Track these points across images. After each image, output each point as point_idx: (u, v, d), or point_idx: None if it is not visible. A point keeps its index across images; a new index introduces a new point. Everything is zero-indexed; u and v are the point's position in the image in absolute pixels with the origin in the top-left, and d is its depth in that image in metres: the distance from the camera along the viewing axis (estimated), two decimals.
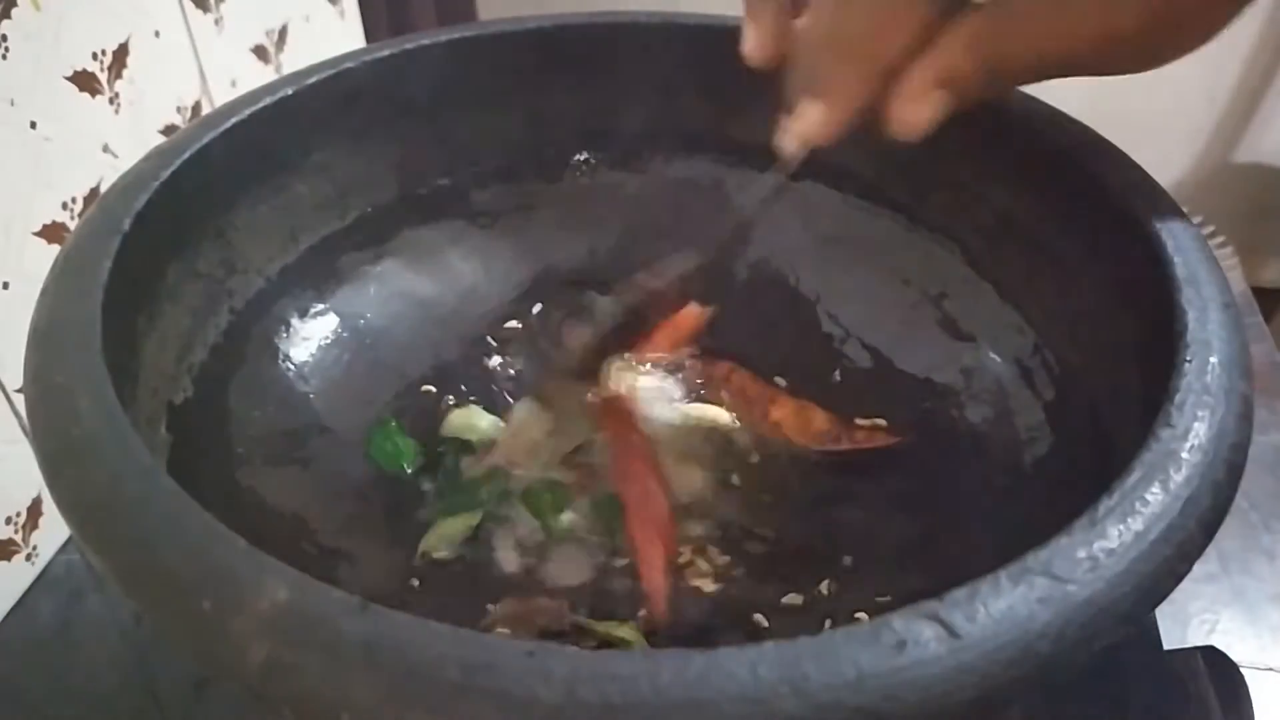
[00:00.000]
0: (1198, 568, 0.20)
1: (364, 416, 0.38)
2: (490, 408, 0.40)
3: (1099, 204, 0.30)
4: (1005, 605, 0.17)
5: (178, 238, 0.32)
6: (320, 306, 0.38)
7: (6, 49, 0.37)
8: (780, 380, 0.40)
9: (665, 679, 0.16)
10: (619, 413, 0.37)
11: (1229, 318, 0.25)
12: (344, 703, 0.16)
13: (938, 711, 0.16)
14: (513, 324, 0.43)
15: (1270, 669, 0.36)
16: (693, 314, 0.40)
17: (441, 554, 0.35)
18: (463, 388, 0.41)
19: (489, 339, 0.43)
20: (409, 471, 0.37)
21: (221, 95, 0.52)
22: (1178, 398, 0.22)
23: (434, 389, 0.40)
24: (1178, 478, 0.20)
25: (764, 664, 0.16)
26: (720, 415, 0.39)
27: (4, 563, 0.40)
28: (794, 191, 0.42)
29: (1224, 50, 0.88)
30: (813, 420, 0.37)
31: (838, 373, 0.40)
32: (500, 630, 0.32)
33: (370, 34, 0.69)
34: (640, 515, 0.33)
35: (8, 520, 0.40)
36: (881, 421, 0.36)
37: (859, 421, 0.37)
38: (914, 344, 0.39)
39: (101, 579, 0.20)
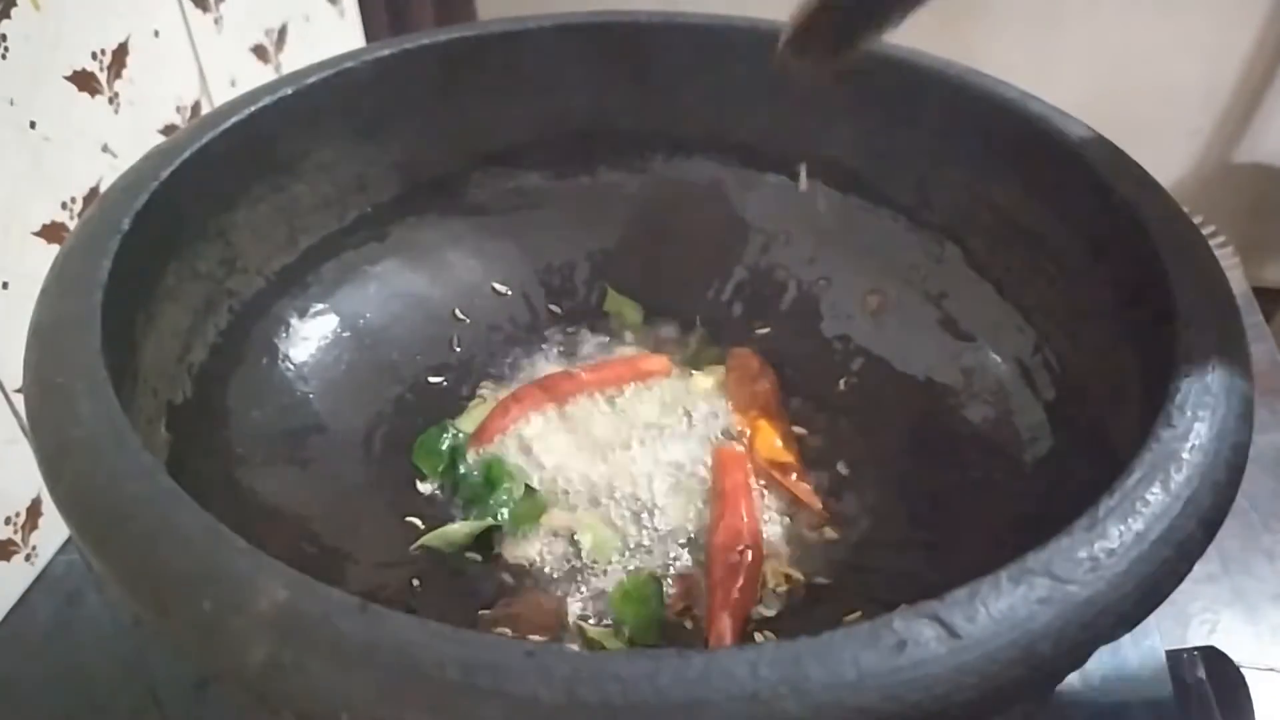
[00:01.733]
0: (1198, 568, 0.20)
1: (364, 416, 0.38)
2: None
3: (1100, 204, 0.30)
4: (1006, 605, 0.17)
5: (177, 237, 0.32)
6: (320, 306, 0.38)
7: (6, 49, 0.37)
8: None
9: (665, 679, 0.16)
10: (733, 464, 0.37)
11: (1230, 318, 0.25)
12: (344, 703, 0.16)
13: (938, 711, 0.16)
14: (513, 323, 0.43)
15: (1271, 669, 0.36)
16: (659, 363, 0.41)
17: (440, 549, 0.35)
18: (465, 387, 0.41)
19: (488, 339, 0.43)
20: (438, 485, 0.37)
21: (221, 95, 0.52)
22: (1178, 398, 0.22)
23: (443, 383, 0.41)
24: (1178, 478, 0.20)
25: (764, 664, 0.16)
26: (708, 385, 0.41)
27: (3, 563, 0.40)
28: (795, 191, 0.42)
29: (1224, 50, 0.88)
30: (779, 452, 0.38)
31: (842, 382, 0.40)
32: (500, 630, 0.32)
33: (370, 34, 0.69)
34: (723, 559, 0.33)
35: (7, 520, 0.40)
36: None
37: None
38: (915, 344, 0.39)
39: (101, 579, 0.20)
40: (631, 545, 0.35)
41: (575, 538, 0.35)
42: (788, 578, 0.34)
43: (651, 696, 0.16)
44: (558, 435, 0.39)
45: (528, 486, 0.36)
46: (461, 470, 0.37)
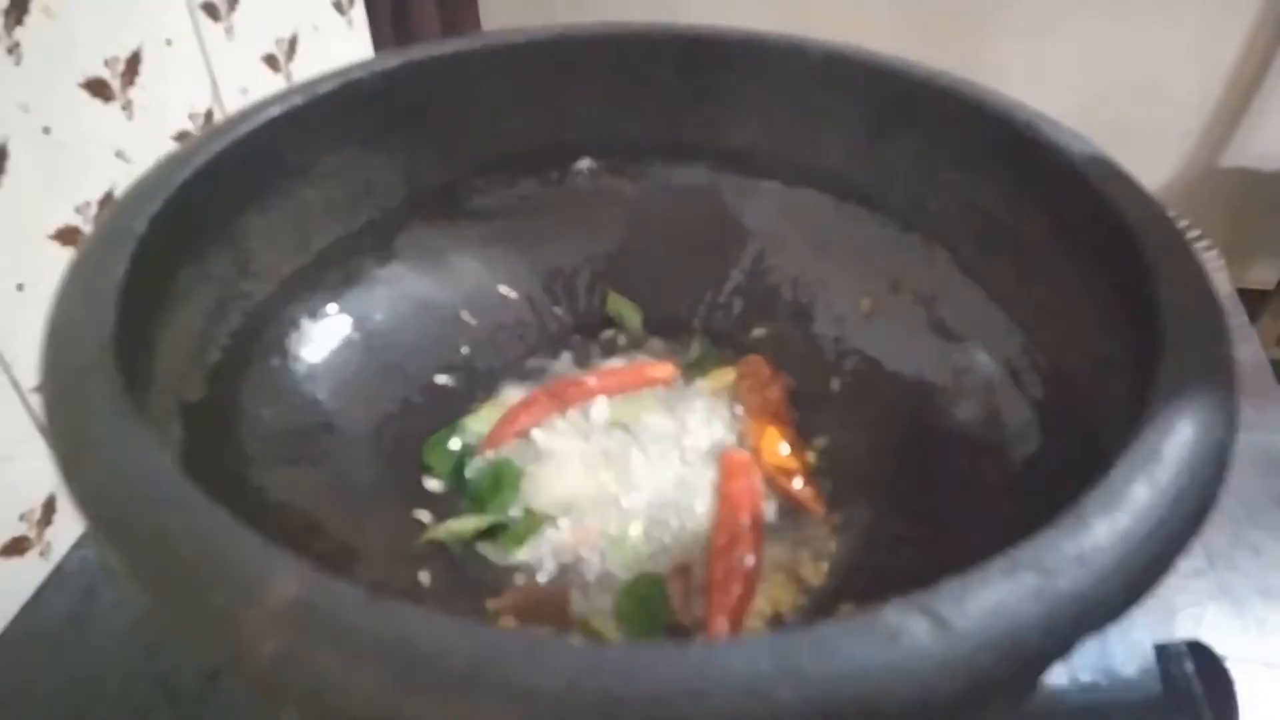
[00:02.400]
0: (1185, 562, 0.20)
1: (373, 416, 0.38)
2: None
3: (1086, 208, 0.31)
4: (995, 598, 0.18)
5: (191, 242, 0.32)
6: (330, 308, 0.39)
7: (20, 56, 0.38)
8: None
9: (664, 670, 0.16)
10: (738, 468, 0.37)
11: (1214, 318, 0.25)
12: (353, 694, 0.17)
13: (929, 702, 0.17)
14: (519, 325, 0.44)
15: (1256, 662, 0.36)
16: (665, 370, 0.42)
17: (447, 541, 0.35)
18: (471, 387, 0.41)
19: (493, 340, 0.43)
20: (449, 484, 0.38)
21: (233, 103, 0.53)
22: (1163, 396, 0.22)
23: (450, 384, 0.41)
24: (1164, 474, 0.21)
25: (760, 655, 0.17)
26: (724, 382, 0.41)
27: (19, 558, 0.41)
28: (790, 197, 0.42)
29: (1212, 57, 0.88)
30: (786, 458, 0.38)
31: (835, 381, 0.41)
32: (505, 621, 0.32)
33: (377, 43, 0.70)
34: (723, 562, 0.34)
35: (21, 517, 0.41)
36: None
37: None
38: (906, 345, 0.39)
39: (115, 574, 0.20)
40: (642, 549, 0.35)
41: (595, 541, 0.36)
42: (789, 601, 0.34)
43: (651, 687, 0.16)
44: (566, 442, 0.39)
45: (528, 510, 0.37)
46: (468, 473, 0.38)
